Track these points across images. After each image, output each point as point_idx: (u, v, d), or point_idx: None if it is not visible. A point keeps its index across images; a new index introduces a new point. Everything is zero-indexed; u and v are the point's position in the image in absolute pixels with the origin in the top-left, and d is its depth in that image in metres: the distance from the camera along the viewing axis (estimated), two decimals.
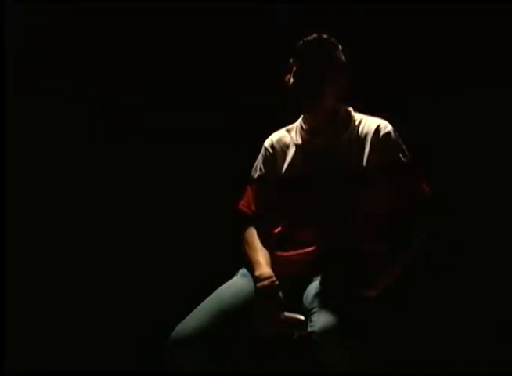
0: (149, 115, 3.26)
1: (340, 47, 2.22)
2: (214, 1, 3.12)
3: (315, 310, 1.98)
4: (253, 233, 2.25)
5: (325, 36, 2.20)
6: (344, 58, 2.23)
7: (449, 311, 2.94)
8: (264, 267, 2.13)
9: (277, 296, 2.06)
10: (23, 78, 3.22)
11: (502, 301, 2.92)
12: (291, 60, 2.22)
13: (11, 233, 3.11)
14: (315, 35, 2.20)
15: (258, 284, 2.09)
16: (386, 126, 2.20)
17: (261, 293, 2.07)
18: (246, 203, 2.31)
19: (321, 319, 1.93)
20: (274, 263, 2.17)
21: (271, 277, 2.09)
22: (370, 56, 2.92)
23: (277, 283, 2.08)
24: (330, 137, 2.22)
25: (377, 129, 2.19)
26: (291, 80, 2.20)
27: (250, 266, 2.18)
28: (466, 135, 3.00)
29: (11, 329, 3.02)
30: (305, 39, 2.20)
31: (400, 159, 2.16)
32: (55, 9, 3.16)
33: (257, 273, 2.12)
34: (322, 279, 2.09)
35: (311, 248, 2.14)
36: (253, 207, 2.29)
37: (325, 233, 2.14)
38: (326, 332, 1.89)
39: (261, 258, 2.17)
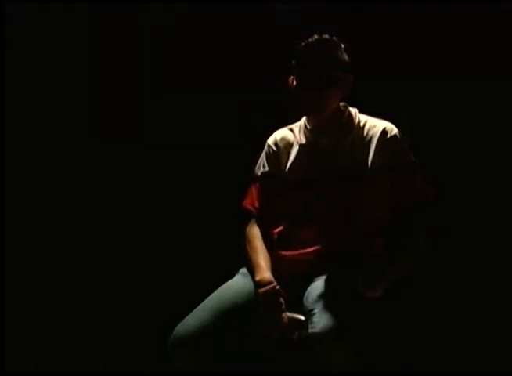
0: (150, 114, 3.26)
1: (342, 46, 2.20)
2: (214, 2, 3.12)
3: (315, 311, 1.98)
4: (255, 234, 2.24)
5: (326, 36, 2.17)
6: (347, 58, 2.20)
7: (449, 311, 2.94)
8: (264, 271, 2.12)
9: (278, 301, 2.06)
10: (23, 78, 3.22)
11: (502, 301, 2.92)
12: (293, 62, 2.20)
13: (11, 234, 3.11)
14: (316, 36, 2.17)
15: (260, 290, 2.08)
16: (392, 129, 2.19)
17: (263, 299, 2.07)
18: (250, 201, 2.30)
19: (322, 320, 1.92)
20: (275, 263, 2.17)
21: (271, 283, 2.09)
22: (372, 55, 2.92)
23: (278, 287, 2.08)
24: (334, 138, 2.21)
25: (384, 132, 2.18)
26: (294, 82, 2.19)
27: (251, 269, 2.17)
28: (467, 137, 3.00)
29: (11, 329, 3.01)
30: (307, 41, 2.17)
31: (406, 161, 2.16)
32: (56, 9, 3.16)
33: (257, 278, 2.12)
34: (323, 279, 2.09)
35: (312, 248, 2.14)
36: (257, 205, 2.28)
37: (327, 233, 2.14)
38: (327, 333, 1.89)
39: (262, 262, 2.16)
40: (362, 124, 2.23)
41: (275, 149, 2.30)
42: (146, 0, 3.16)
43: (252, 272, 2.16)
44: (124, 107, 3.26)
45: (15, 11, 3.17)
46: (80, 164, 3.28)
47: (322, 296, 2.02)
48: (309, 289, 2.09)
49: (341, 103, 2.25)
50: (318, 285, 2.07)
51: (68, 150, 3.29)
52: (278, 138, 2.32)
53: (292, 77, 2.21)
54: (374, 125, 2.21)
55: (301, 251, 2.15)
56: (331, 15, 2.93)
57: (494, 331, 2.90)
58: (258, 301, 2.07)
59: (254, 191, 2.30)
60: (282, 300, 2.06)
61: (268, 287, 2.07)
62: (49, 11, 3.18)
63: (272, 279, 2.10)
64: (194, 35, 3.20)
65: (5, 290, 3.03)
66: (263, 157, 2.33)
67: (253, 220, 2.27)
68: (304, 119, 2.31)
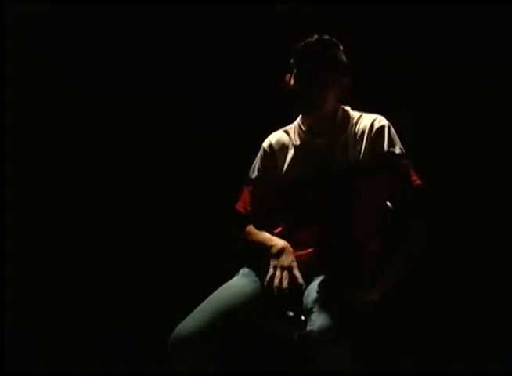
0: (148, 115, 3.26)
1: (341, 48, 2.21)
2: (215, 2, 3.12)
3: (314, 310, 1.98)
4: (252, 228, 2.26)
5: (326, 37, 2.18)
6: (345, 59, 2.21)
7: (447, 311, 2.94)
8: (276, 240, 2.15)
9: (291, 258, 2.08)
10: (23, 78, 3.22)
11: (501, 301, 2.92)
12: (292, 61, 2.20)
13: (11, 234, 3.11)
14: (316, 36, 2.18)
15: (273, 249, 2.11)
16: (380, 120, 2.20)
17: (279, 254, 2.09)
18: (243, 204, 2.30)
19: (319, 319, 1.93)
20: None
21: (285, 243, 2.12)
22: (372, 55, 2.92)
23: (291, 249, 2.10)
24: (329, 137, 2.22)
25: (372, 125, 2.19)
26: (292, 81, 2.19)
27: (261, 245, 2.18)
28: (466, 137, 3.00)
29: (11, 329, 3.02)
30: (307, 40, 2.18)
31: (392, 152, 2.15)
32: (55, 9, 3.16)
33: (270, 244, 2.14)
34: (322, 279, 2.09)
35: (311, 249, 2.14)
36: (249, 208, 2.29)
37: (325, 234, 2.14)
38: (324, 332, 1.89)
39: (269, 235, 2.19)
40: (354, 121, 2.24)
41: (270, 152, 2.30)
42: (146, 0, 3.16)
43: (263, 246, 2.17)
44: (123, 108, 3.26)
45: (15, 11, 3.17)
46: (79, 165, 3.28)
47: (322, 296, 2.02)
48: (309, 289, 2.09)
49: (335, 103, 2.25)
50: (317, 285, 2.07)
51: (68, 150, 3.29)
52: (273, 141, 2.32)
53: (289, 75, 2.21)
54: (365, 120, 2.22)
55: (300, 252, 2.15)
56: (331, 15, 2.93)
57: (493, 332, 2.90)
58: (270, 264, 2.08)
59: (246, 194, 2.30)
60: (294, 259, 2.08)
61: (283, 244, 2.11)
62: (49, 11, 3.18)
63: (286, 242, 2.12)
64: (194, 35, 3.20)
65: (5, 290, 3.03)
66: (257, 160, 2.33)
67: (247, 222, 2.28)
68: (298, 120, 2.31)
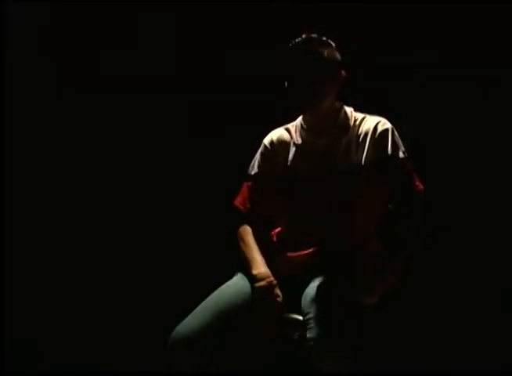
0: (148, 115, 3.26)
1: (330, 44, 2.19)
2: (214, 2, 3.13)
3: (312, 315, 1.97)
4: (247, 230, 2.22)
5: (313, 35, 2.17)
6: (335, 55, 2.19)
7: (446, 314, 2.94)
8: (261, 266, 2.11)
9: (276, 296, 2.05)
10: (23, 78, 3.22)
11: (501, 301, 2.92)
12: (283, 64, 2.20)
13: (12, 233, 3.11)
14: (302, 36, 2.17)
15: (256, 285, 2.07)
16: (384, 124, 2.19)
17: (260, 293, 2.06)
18: (241, 200, 2.28)
19: (318, 327, 1.92)
20: (273, 263, 2.16)
21: (269, 277, 2.08)
22: (373, 55, 2.93)
23: (275, 282, 2.07)
24: (331, 137, 2.21)
25: (375, 127, 2.18)
26: (285, 84, 2.19)
27: (246, 264, 2.15)
28: (463, 135, 3.00)
29: (11, 329, 3.02)
30: (292, 42, 2.17)
31: (396, 156, 2.15)
32: (55, 9, 3.16)
33: (254, 272, 2.10)
34: (320, 281, 2.08)
35: (311, 250, 2.14)
36: (248, 205, 2.27)
37: (324, 234, 2.14)
38: (323, 340, 1.89)
39: (257, 256, 2.15)
40: (357, 122, 2.22)
41: (271, 149, 2.29)
42: (146, 0, 3.16)
43: (248, 266, 2.14)
44: (123, 108, 3.26)
45: (15, 11, 3.17)
46: (79, 165, 3.28)
47: (319, 299, 2.01)
48: (307, 290, 2.08)
49: (337, 103, 2.24)
50: (315, 287, 2.06)
51: (68, 150, 3.29)
52: (274, 138, 2.30)
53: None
54: (369, 122, 2.20)
55: (300, 252, 2.14)
56: (331, 15, 2.93)
57: (492, 332, 2.90)
58: (255, 297, 2.06)
59: (245, 190, 2.28)
60: (279, 293, 2.05)
61: (264, 282, 2.06)
62: (49, 11, 3.18)
63: (269, 273, 2.09)
64: (194, 35, 3.20)
65: (5, 290, 3.03)
66: (258, 156, 2.31)
67: (244, 219, 2.25)
68: (300, 119, 2.30)
